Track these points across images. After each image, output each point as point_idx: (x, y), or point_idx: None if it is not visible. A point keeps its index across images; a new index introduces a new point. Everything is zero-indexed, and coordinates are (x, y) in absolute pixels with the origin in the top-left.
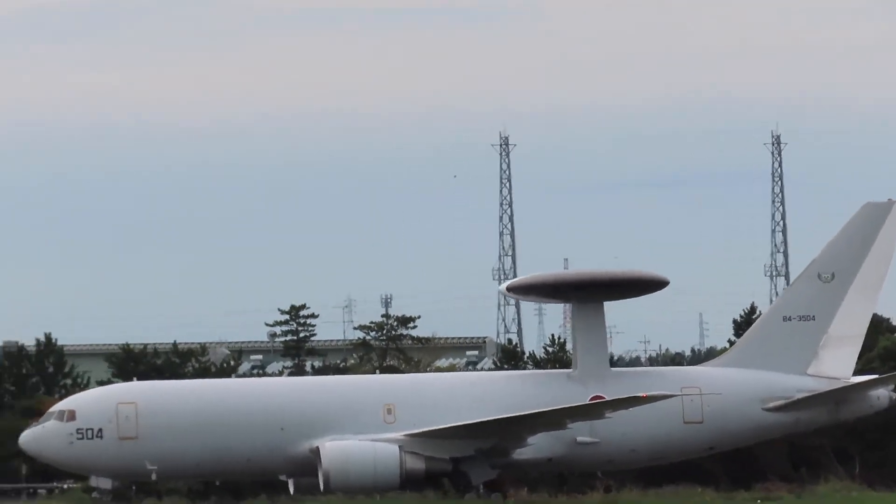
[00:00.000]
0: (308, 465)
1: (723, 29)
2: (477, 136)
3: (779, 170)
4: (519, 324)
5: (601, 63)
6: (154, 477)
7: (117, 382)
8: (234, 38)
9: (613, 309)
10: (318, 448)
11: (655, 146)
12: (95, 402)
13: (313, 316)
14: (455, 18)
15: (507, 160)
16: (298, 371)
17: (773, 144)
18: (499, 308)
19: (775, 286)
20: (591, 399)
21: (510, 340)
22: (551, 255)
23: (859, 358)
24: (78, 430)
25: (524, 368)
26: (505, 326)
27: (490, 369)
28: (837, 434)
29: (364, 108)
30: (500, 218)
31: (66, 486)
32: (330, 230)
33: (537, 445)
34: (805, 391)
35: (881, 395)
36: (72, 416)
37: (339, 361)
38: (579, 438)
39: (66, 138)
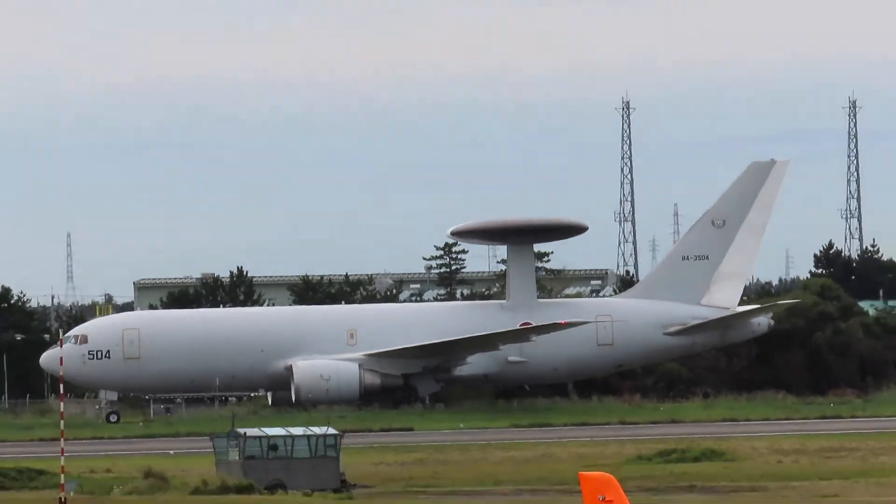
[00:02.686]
0: (283, 380)
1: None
2: (599, 101)
3: (854, 129)
4: (635, 257)
5: (707, 33)
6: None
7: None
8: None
9: None
10: (291, 366)
11: (747, 109)
12: (104, 327)
13: (463, 251)
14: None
15: (627, 121)
16: (450, 297)
17: (850, 108)
18: (619, 244)
19: (849, 226)
20: (521, 325)
21: (628, 272)
22: (664, 200)
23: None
24: (89, 351)
25: None
26: (624, 260)
27: (610, 296)
28: None
29: (508, 66)
30: (622, 169)
31: (252, 395)
32: (479, 175)
33: (475, 364)
34: (699, 319)
35: (761, 321)
36: (84, 339)
37: (484, 290)
38: (510, 358)
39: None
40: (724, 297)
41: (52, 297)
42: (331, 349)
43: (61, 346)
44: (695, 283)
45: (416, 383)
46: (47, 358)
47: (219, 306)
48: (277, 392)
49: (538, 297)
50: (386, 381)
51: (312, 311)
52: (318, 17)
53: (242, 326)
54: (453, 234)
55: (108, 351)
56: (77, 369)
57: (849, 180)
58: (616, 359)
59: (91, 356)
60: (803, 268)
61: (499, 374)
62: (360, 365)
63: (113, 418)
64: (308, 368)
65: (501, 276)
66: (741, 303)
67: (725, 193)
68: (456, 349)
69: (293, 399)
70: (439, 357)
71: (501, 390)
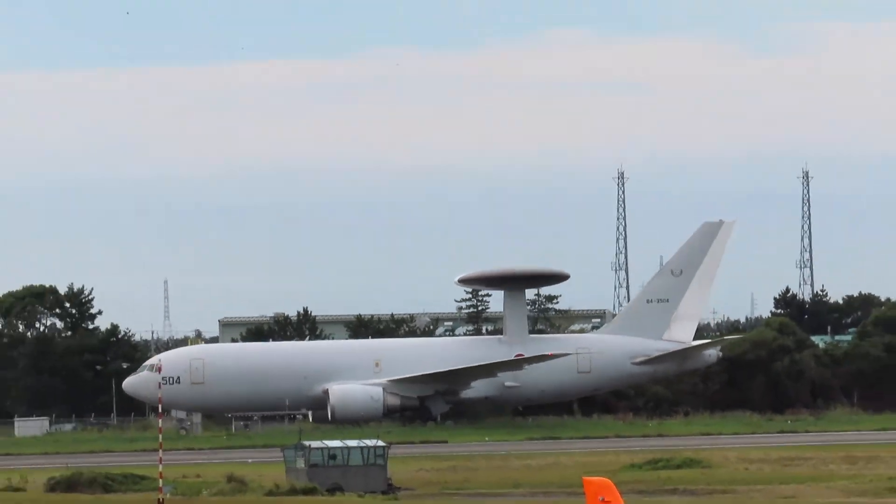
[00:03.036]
0: (321, 401)
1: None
2: (599, 171)
3: (807, 194)
4: (628, 300)
5: (689, 114)
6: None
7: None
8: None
9: None
10: (328, 390)
11: (720, 176)
12: (175, 357)
13: (488, 294)
14: (597, 89)
15: (622, 188)
16: (477, 333)
17: (803, 177)
18: (615, 289)
19: (803, 274)
20: (515, 356)
21: None
22: (651, 253)
23: (855, 325)
24: (163, 377)
25: None
26: (619, 302)
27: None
28: (845, 376)
29: (531, 147)
30: (617, 227)
31: (304, 411)
32: (499, 231)
33: (478, 388)
34: (661, 351)
35: (711, 353)
36: (159, 368)
37: None
38: (507, 383)
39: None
40: (681, 334)
41: (152, 333)
42: (360, 376)
43: (160, 371)
44: (657, 322)
45: (430, 404)
46: (128, 383)
47: (289, 340)
48: (317, 411)
49: (547, 332)
50: (404, 402)
51: (346, 345)
52: (351, 99)
53: (289, 357)
54: (460, 281)
55: (179, 377)
56: (153, 392)
57: (802, 237)
58: (593, 384)
59: (165, 381)
60: (765, 308)
61: (497, 396)
62: (383, 389)
63: (182, 433)
64: (342, 392)
65: None
66: (711, 336)
67: (682, 247)
68: (462, 376)
69: (329, 417)
70: (448, 382)
71: (518, 410)
